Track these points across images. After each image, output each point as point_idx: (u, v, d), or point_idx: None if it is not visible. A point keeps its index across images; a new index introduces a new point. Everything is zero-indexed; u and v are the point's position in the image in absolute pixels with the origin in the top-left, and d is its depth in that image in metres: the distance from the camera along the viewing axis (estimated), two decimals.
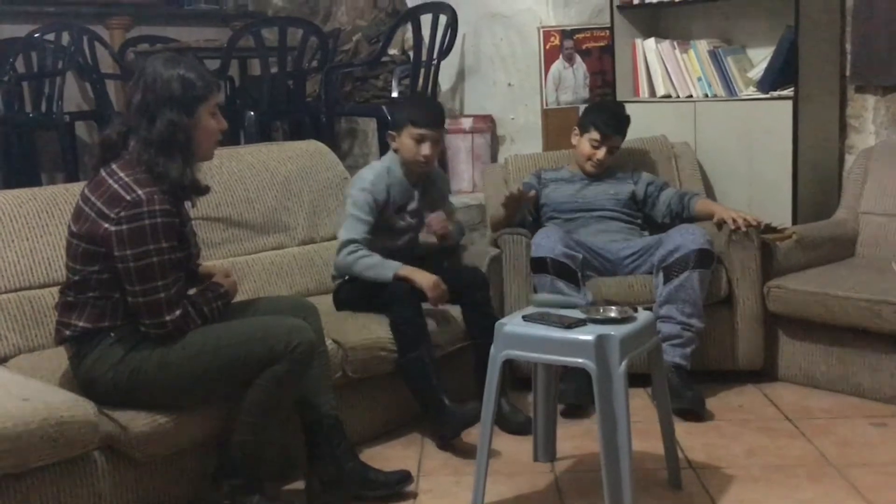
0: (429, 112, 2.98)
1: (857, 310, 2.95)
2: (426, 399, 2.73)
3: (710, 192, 3.72)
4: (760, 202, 3.58)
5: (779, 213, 3.52)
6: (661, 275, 3.05)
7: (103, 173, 2.23)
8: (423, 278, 2.77)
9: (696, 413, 2.90)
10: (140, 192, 2.16)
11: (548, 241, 3.02)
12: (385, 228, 2.95)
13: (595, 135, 3.34)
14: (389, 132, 3.01)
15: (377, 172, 2.96)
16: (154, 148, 2.21)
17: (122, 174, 2.20)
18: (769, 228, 3.29)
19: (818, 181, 3.67)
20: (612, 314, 2.29)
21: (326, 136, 4.28)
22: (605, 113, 3.40)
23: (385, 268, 2.81)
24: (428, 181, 3.06)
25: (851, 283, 3.04)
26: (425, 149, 2.90)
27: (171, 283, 2.21)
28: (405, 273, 2.78)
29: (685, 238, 3.04)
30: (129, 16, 5.59)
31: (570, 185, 3.41)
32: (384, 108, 4.30)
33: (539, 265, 3.01)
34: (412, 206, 3.00)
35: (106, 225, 2.16)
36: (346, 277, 2.94)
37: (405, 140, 2.93)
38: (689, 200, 3.33)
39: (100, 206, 2.19)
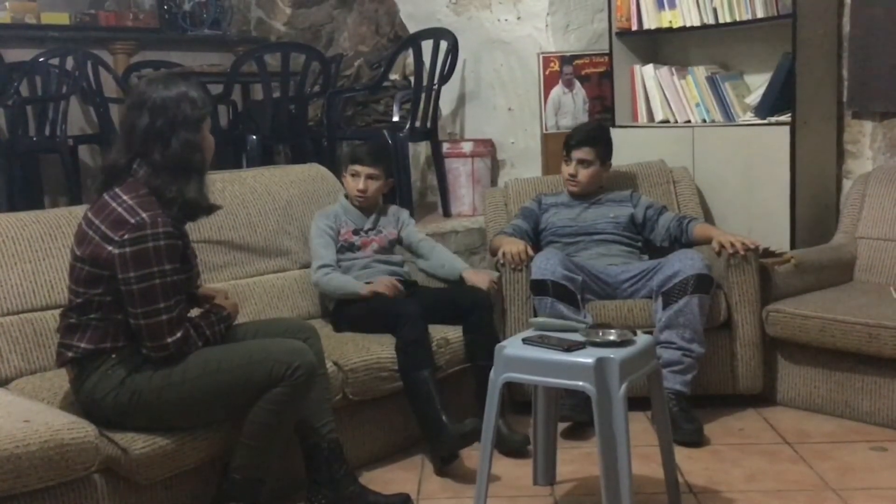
0: (362, 149, 3.24)
1: (855, 334, 2.96)
2: (427, 420, 2.74)
3: (708, 217, 3.75)
4: (759, 227, 3.60)
5: (777, 237, 3.54)
6: (660, 300, 3.05)
7: (106, 197, 2.25)
8: (380, 284, 2.97)
9: (696, 443, 2.90)
10: (144, 214, 2.18)
11: (548, 264, 3.03)
12: (347, 247, 3.14)
13: (564, 151, 3.42)
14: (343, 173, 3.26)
15: (329, 209, 3.22)
16: (168, 172, 2.22)
17: (125, 197, 2.22)
18: (767, 253, 3.31)
19: (816, 206, 3.69)
20: (612, 337, 2.30)
21: (328, 160, 4.31)
22: (574, 130, 3.52)
23: (353, 286, 3.00)
24: (381, 213, 3.25)
25: (850, 308, 3.05)
26: (359, 183, 3.14)
27: (174, 306, 2.22)
28: (369, 290, 2.96)
29: (684, 263, 3.05)
30: (134, 41, 5.64)
31: (569, 210, 3.44)
32: (385, 132, 4.34)
33: (539, 287, 3.02)
34: (367, 226, 3.20)
35: (110, 248, 2.18)
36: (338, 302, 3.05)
37: (346, 178, 3.21)
38: (687, 225, 3.35)
39: (104, 230, 2.20)
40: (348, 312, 3.00)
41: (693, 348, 3.00)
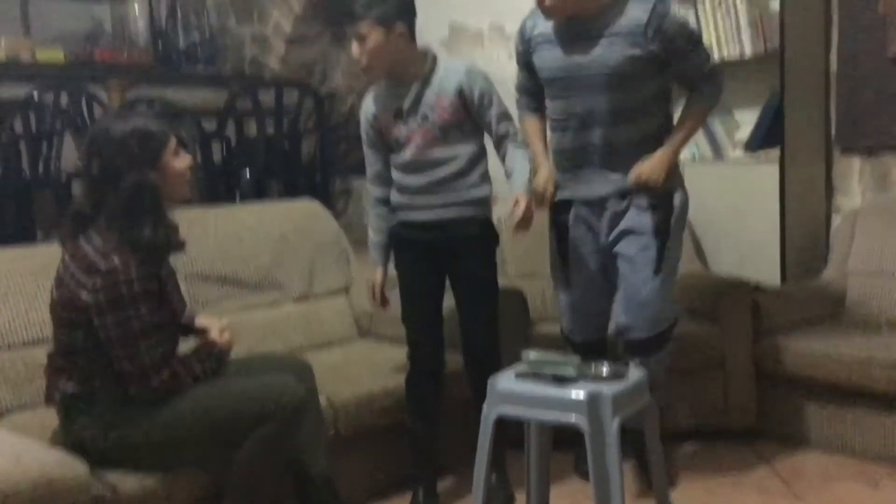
0: (353, 3, 2.57)
1: (847, 369, 2.97)
2: (414, 468, 2.74)
3: (699, 251, 3.77)
4: (749, 261, 3.62)
5: (767, 272, 3.56)
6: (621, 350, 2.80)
7: (81, 240, 2.21)
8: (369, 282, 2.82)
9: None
10: (116, 259, 2.13)
11: (573, 325, 2.88)
12: (392, 147, 2.70)
13: None
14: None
15: (365, 101, 2.75)
16: (124, 215, 2.16)
17: (99, 240, 2.18)
18: (758, 290, 3.31)
19: (806, 241, 3.72)
20: (604, 372, 2.31)
21: (321, 195, 4.33)
22: None
23: (371, 247, 2.81)
24: (423, 81, 2.62)
25: (841, 343, 3.07)
26: (355, 51, 2.58)
27: (155, 345, 2.19)
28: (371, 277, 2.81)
29: (636, 318, 2.69)
30: (128, 77, 5.68)
31: (554, 48, 2.70)
32: None
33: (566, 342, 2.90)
34: (407, 103, 2.62)
35: (83, 295, 2.14)
36: (395, 239, 2.80)
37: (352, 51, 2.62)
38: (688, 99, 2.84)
39: (78, 276, 2.16)
40: (399, 260, 2.78)
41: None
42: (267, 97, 4.70)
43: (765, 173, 3.60)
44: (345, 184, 5.44)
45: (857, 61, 3.65)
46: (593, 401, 2.16)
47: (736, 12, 3.69)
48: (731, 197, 3.72)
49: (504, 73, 4.37)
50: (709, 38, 3.78)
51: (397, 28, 2.55)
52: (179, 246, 2.30)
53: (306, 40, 5.99)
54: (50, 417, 2.38)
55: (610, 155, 2.71)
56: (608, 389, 2.20)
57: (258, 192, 4.46)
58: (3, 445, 2.14)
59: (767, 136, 3.69)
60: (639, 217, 2.70)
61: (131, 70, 5.79)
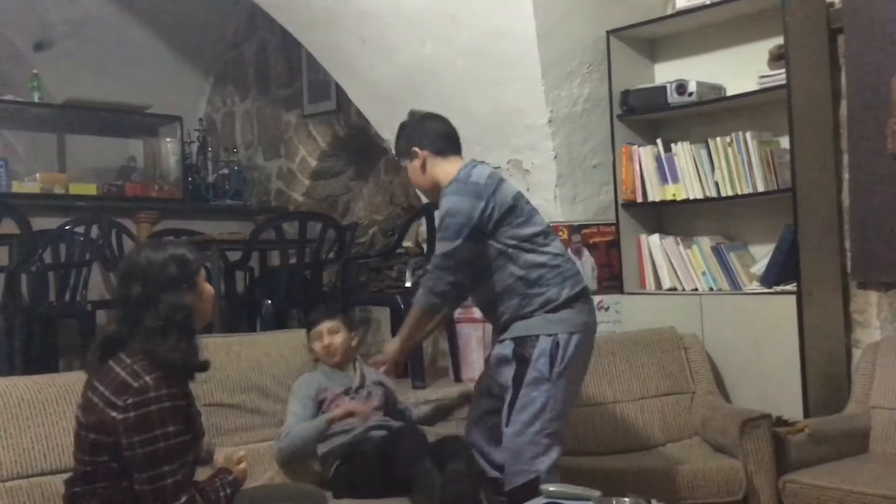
0: (314, 312, 3.33)
1: None
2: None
3: (720, 384, 3.74)
4: (771, 394, 3.59)
5: (790, 406, 3.52)
6: None
7: (111, 362, 2.26)
8: (345, 406, 3.02)
9: None
10: (147, 378, 2.18)
11: None
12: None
13: None
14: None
15: (300, 378, 3.19)
16: (158, 334, 2.24)
17: (128, 361, 2.23)
18: (781, 422, 3.28)
19: (827, 375, 3.68)
20: None
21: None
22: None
23: (313, 424, 3.00)
24: (359, 363, 3.26)
25: (867, 479, 3.00)
26: (323, 340, 3.20)
27: (178, 469, 2.20)
28: (338, 414, 3.00)
29: (508, 464, 2.80)
30: (158, 210, 5.85)
31: None
32: (398, 297, 4.42)
33: None
34: (355, 384, 3.17)
35: (114, 414, 2.17)
36: (338, 462, 2.97)
37: (314, 345, 3.25)
38: None
39: (108, 395, 2.20)
40: (343, 479, 2.93)
41: None
42: (291, 228, 4.82)
43: (782, 306, 3.61)
44: (364, 312, 5.49)
45: (868, 198, 3.69)
46: None
47: (747, 150, 3.79)
48: (750, 328, 3.72)
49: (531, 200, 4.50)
50: (721, 174, 3.88)
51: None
52: (206, 365, 2.38)
53: (331, 175, 6.20)
54: None
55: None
56: None
57: (279, 321, 4.51)
58: None
59: (783, 270, 3.71)
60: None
61: (161, 203, 5.98)
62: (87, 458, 2.23)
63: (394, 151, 3.19)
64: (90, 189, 5.77)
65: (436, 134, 2.98)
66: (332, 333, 3.22)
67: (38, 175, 5.65)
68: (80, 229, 4.90)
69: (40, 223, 5.09)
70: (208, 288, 2.40)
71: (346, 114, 5.80)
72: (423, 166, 2.96)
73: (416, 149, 2.96)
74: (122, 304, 2.32)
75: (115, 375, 2.22)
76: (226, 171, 6.30)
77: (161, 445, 2.17)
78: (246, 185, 6.35)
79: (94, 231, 4.83)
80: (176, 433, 2.20)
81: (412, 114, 3.07)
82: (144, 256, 2.32)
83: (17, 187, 5.48)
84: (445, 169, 2.94)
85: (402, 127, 3.05)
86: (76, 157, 6.13)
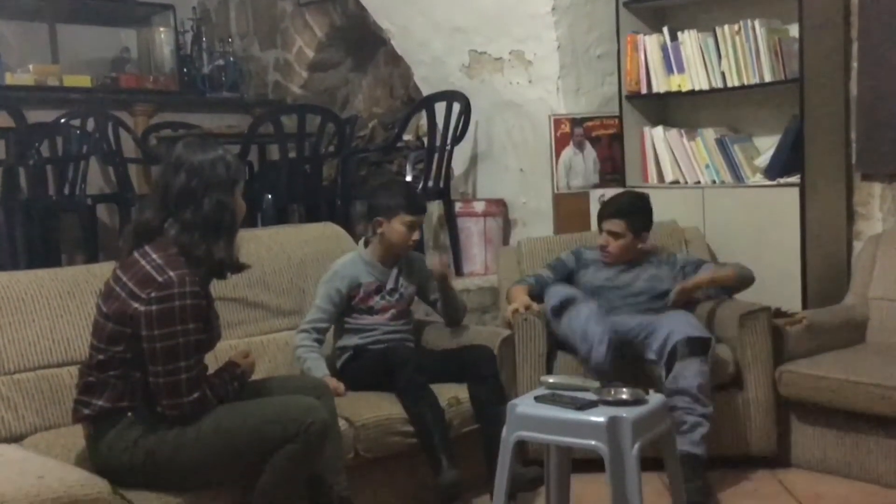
0: (419, 201, 3.18)
1: (868, 395, 2.94)
2: (428, 458, 2.76)
3: None
4: (770, 287, 3.60)
5: (789, 297, 3.55)
6: (662, 367, 3.02)
7: (136, 254, 2.28)
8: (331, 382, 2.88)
9: (700, 503, 2.84)
10: (172, 273, 2.21)
11: (596, 335, 3.00)
12: (363, 310, 3.08)
13: (598, 221, 3.42)
14: (377, 218, 3.11)
15: (340, 265, 3.13)
16: (199, 231, 2.27)
17: (154, 255, 2.25)
18: (779, 313, 3.31)
19: (827, 267, 3.71)
20: (624, 396, 2.31)
21: (342, 218, 4.36)
22: (607, 201, 3.48)
23: (319, 373, 2.91)
24: (404, 261, 3.17)
25: (863, 369, 3.05)
26: (416, 234, 3.09)
27: (193, 365, 2.25)
28: (334, 390, 2.83)
29: (672, 326, 3.04)
30: (153, 103, 5.77)
31: (606, 269, 3.40)
32: None
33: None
34: (389, 285, 3.12)
35: (136, 305, 2.20)
36: (350, 354, 3.05)
37: (396, 226, 3.07)
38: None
39: (131, 287, 2.23)
40: (349, 372, 3.02)
41: (695, 408, 2.93)
42: (289, 122, 4.75)
43: (785, 198, 3.60)
44: (365, 207, 5.46)
45: (876, 87, 3.65)
46: (613, 425, 2.16)
47: (755, 38, 3.70)
48: (752, 221, 3.72)
49: (524, 97, 4.43)
50: (727, 64, 3.80)
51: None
52: (242, 266, 2.41)
53: (329, 66, 6.07)
54: (73, 438, 2.41)
55: None
56: (628, 414, 2.20)
57: (279, 216, 4.50)
58: (26, 465, 2.17)
59: (787, 162, 3.69)
60: None
61: (156, 96, 5.89)
62: (104, 346, 2.26)
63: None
64: (84, 81, 5.67)
65: None
66: (420, 229, 3.13)
67: (31, 66, 5.54)
68: (77, 122, 4.85)
69: (35, 116, 5.03)
70: (242, 202, 2.40)
71: (342, 1, 5.63)
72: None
73: None
74: (161, 194, 2.32)
75: (140, 268, 2.24)
76: (221, 62, 6.17)
77: (180, 341, 2.20)
78: (242, 77, 6.24)
79: (91, 124, 4.78)
80: (195, 330, 2.24)
81: None
82: (194, 152, 2.31)
83: (10, 79, 5.39)
84: None
85: None
86: (69, 48, 5.99)
